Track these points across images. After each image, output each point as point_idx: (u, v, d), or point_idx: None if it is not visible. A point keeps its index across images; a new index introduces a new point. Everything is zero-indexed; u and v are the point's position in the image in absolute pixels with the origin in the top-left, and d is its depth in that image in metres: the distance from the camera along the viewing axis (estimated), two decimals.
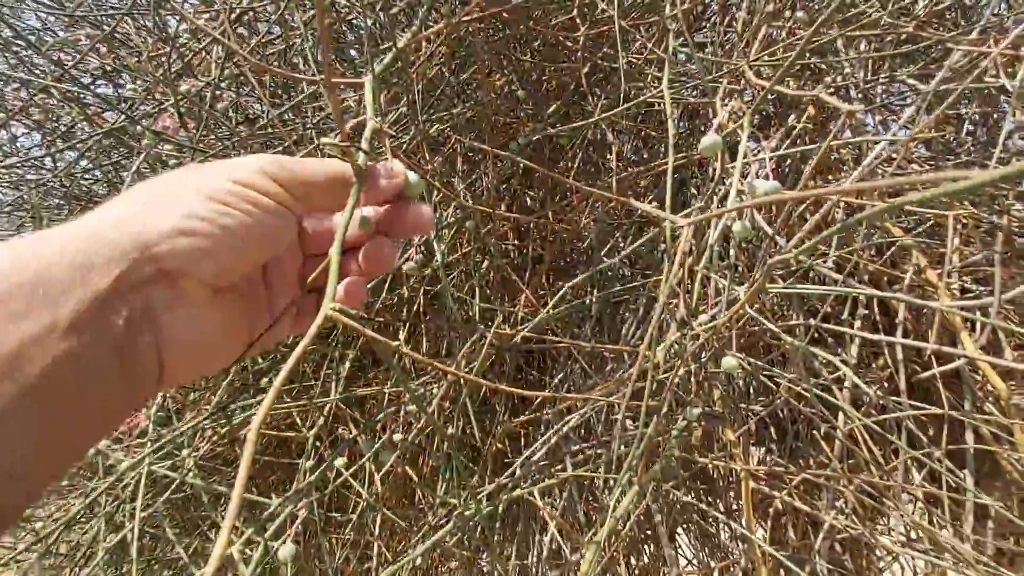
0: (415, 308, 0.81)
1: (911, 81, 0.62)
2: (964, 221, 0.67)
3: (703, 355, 0.53)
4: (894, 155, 0.59)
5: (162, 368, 0.26)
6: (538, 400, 0.77)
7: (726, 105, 0.45)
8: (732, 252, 0.65)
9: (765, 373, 0.60)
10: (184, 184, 0.27)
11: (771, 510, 0.74)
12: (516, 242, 0.95)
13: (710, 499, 0.95)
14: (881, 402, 0.72)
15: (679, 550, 0.94)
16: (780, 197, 0.25)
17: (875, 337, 0.51)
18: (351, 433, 0.72)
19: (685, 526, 0.94)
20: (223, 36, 0.75)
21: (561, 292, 0.61)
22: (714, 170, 0.72)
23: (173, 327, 0.26)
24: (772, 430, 0.86)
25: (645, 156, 1.02)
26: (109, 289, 0.23)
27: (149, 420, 0.60)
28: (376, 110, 0.37)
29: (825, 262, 0.59)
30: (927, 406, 0.57)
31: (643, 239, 0.61)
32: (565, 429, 0.61)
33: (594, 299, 0.79)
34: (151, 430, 0.60)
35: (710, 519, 0.94)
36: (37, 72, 0.86)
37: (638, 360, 0.40)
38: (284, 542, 0.47)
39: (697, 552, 0.97)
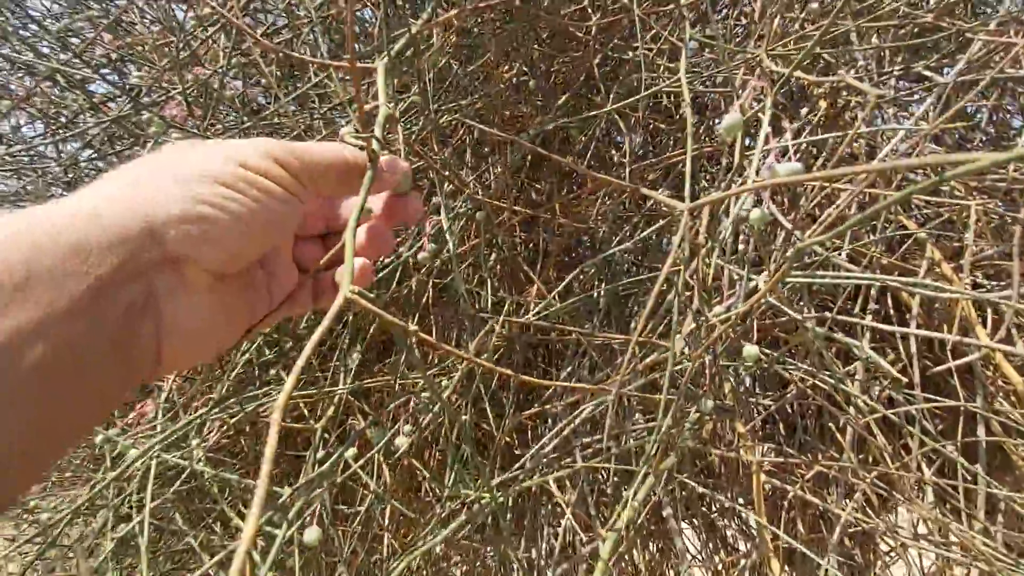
0: (424, 301, 0.80)
1: (927, 73, 0.62)
2: (977, 218, 0.66)
3: (718, 347, 0.52)
4: (911, 149, 0.59)
5: (160, 355, 0.26)
6: (547, 393, 0.76)
7: (745, 83, 0.45)
8: (748, 243, 0.65)
9: (778, 364, 0.59)
10: (188, 164, 0.26)
11: (784, 503, 0.74)
12: (522, 235, 0.95)
13: (717, 492, 0.95)
14: (889, 396, 0.72)
15: (685, 542, 0.94)
16: (804, 178, 0.25)
17: (891, 328, 0.51)
18: (360, 425, 0.71)
19: (692, 520, 0.94)
20: (233, 19, 0.74)
21: (570, 278, 0.60)
22: (728, 159, 0.72)
23: (175, 315, 0.25)
24: (780, 426, 0.86)
25: (652, 150, 1.01)
26: (110, 274, 0.23)
27: (158, 408, 0.60)
28: (388, 96, 0.36)
29: (840, 254, 0.59)
30: (941, 399, 0.57)
31: (653, 228, 0.61)
32: (577, 421, 0.61)
33: (602, 292, 0.78)
34: (160, 417, 0.59)
35: (716, 512, 0.94)
36: (43, 59, 0.85)
37: (630, 348, 0.40)
38: (304, 526, 0.46)
39: (704, 545, 0.97)
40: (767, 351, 0.53)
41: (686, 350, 0.55)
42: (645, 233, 0.61)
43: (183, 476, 0.62)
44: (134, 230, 0.23)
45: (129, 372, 0.25)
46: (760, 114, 0.35)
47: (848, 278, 0.41)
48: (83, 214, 0.23)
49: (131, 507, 0.73)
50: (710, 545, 0.98)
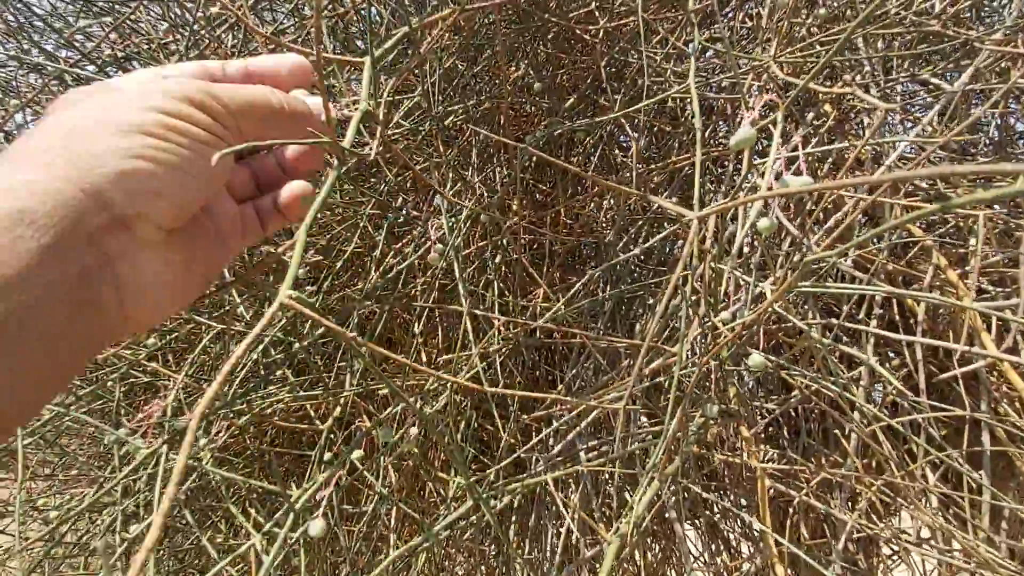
0: (429, 300, 0.81)
1: (935, 80, 0.62)
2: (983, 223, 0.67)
3: (723, 353, 0.52)
4: (916, 154, 0.59)
5: (125, 315, 0.26)
6: (552, 395, 0.76)
7: (755, 95, 0.45)
8: (754, 248, 0.65)
9: (783, 370, 0.59)
10: (109, 118, 0.25)
11: (789, 509, 0.74)
12: (527, 237, 0.95)
13: (720, 495, 0.95)
14: (893, 401, 0.72)
15: (689, 545, 0.94)
16: (816, 187, 0.25)
17: (897, 336, 0.51)
18: (366, 425, 0.72)
19: (695, 521, 0.95)
20: (243, 18, 0.74)
21: (578, 285, 0.60)
22: (735, 163, 0.72)
23: (133, 275, 0.25)
24: (784, 429, 0.86)
25: (656, 152, 1.01)
26: (55, 242, 0.22)
27: (164, 408, 0.60)
28: (371, 92, 0.36)
29: (845, 260, 0.59)
30: (948, 407, 0.57)
31: (659, 237, 0.61)
32: (581, 425, 0.61)
33: (607, 296, 0.78)
34: (169, 414, 0.60)
35: (718, 513, 0.94)
36: (51, 59, 0.85)
37: (644, 353, 0.40)
38: (314, 518, 0.46)
39: (706, 547, 0.97)
40: (772, 358, 0.54)
41: (691, 355, 0.55)
42: (652, 242, 0.61)
43: (191, 476, 0.63)
44: (74, 196, 0.23)
45: (92, 335, 0.25)
46: (771, 126, 0.35)
47: (855, 290, 0.41)
48: (19, 184, 0.22)
49: (137, 506, 0.73)
50: (712, 547, 0.98)
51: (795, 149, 0.50)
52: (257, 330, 0.26)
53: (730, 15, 0.94)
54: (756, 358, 0.42)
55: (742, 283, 0.55)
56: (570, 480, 0.72)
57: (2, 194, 0.22)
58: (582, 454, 0.64)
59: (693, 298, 0.51)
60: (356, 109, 0.36)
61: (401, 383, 0.69)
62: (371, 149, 0.43)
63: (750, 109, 0.34)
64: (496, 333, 0.67)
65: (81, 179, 0.23)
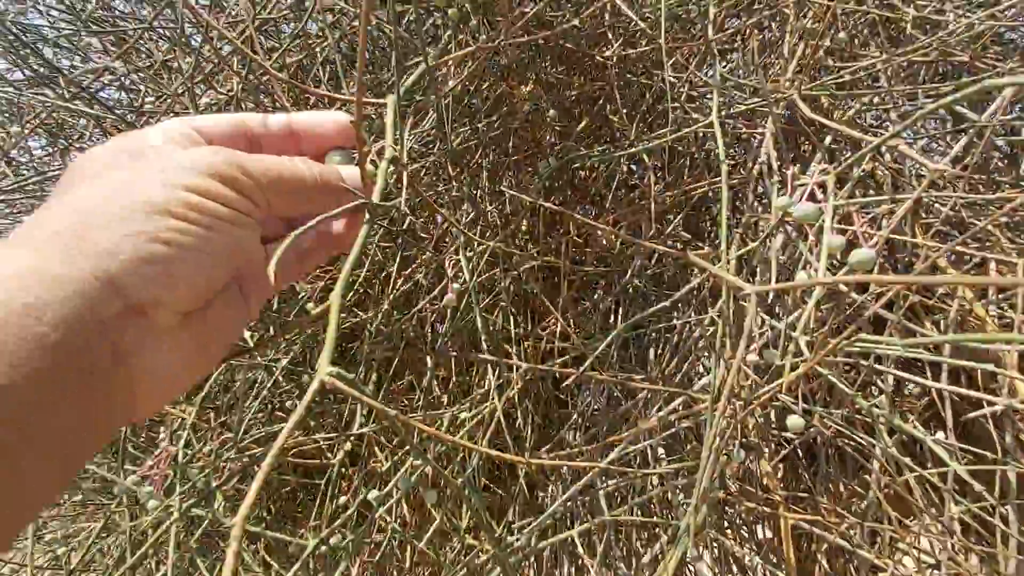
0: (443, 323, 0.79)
1: (960, 109, 0.60)
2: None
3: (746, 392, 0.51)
4: (937, 180, 0.58)
5: (134, 405, 0.24)
6: (568, 424, 0.75)
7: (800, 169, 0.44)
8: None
9: (806, 410, 0.58)
10: (127, 194, 0.24)
11: (805, 535, 0.73)
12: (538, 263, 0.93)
13: (734, 513, 0.94)
14: (912, 424, 0.71)
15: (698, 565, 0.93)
16: (880, 278, 0.24)
17: (927, 383, 0.50)
18: (376, 459, 0.71)
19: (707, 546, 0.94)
20: (245, 45, 0.72)
21: (602, 340, 0.59)
22: (756, 193, 0.71)
23: (147, 364, 0.24)
24: (800, 453, 0.85)
25: (663, 164, 1.00)
26: (68, 335, 0.20)
27: (174, 454, 0.59)
28: (395, 134, 0.35)
29: (868, 295, 0.58)
30: (975, 449, 0.56)
31: (688, 287, 0.59)
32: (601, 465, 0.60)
33: (620, 327, 0.77)
34: (181, 455, 0.58)
35: (732, 539, 0.93)
36: (50, 79, 0.84)
37: (666, 401, 0.38)
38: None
39: (716, 562, 0.96)
40: (805, 406, 0.53)
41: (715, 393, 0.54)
42: (678, 295, 0.59)
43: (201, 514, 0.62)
44: (89, 286, 0.22)
45: (99, 429, 0.23)
46: (818, 190, 0.34)
47: (891, 350, 0.40)
48: (30, 271, 0.21)
49: (143, 534, 0.72)
50: (722, 563, 0.98)
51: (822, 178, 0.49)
52: (300, 410, 0.24)
53: (745, 34, 0.92)
54: (795, 420, 0.41)
55: (767, 322, 0.54)
56: (586, 515, 0.71)
57: (11, 281, 0.20)
58: (601, 493, 0.63)
59: (718, 333, 0.50)
60: (382, 158, 0.34)
61: (419, 418, 0.68)
62: (399, 199, 0.42)
63: (802, 177, 0.33)
64: (514, 377, 0.66)
65: (97, 266, 0.22)
